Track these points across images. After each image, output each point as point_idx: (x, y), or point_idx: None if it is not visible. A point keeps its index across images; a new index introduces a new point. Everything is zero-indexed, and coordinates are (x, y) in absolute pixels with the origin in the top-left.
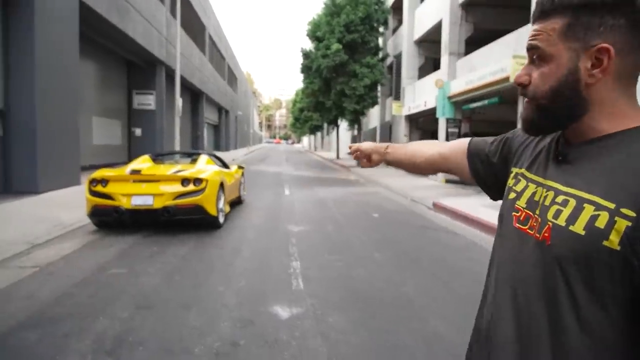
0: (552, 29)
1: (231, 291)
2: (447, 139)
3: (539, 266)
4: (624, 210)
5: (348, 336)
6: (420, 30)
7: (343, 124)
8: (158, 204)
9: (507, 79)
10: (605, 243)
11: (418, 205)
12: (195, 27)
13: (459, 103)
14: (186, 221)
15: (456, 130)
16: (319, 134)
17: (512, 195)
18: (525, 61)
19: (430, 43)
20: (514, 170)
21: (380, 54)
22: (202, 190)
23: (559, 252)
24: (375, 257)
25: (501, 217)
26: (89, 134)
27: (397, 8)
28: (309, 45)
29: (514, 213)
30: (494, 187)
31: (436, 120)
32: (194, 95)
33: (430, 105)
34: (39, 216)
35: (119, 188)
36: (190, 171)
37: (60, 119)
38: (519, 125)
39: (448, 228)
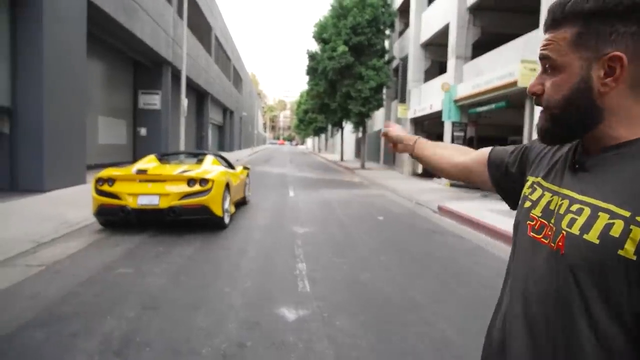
0: (562, 38)
1: (237, 292)
2: (452, 142)
3: (553, 275)
4: (639, 219)
5: (355, 339)
6: (427, 34)
7: (347, 126)
8: (164, 203)
9: (515, 83)
10: (620, 252)
11: (423, 208)
12: (202, 27)
13: (465, 107)
14: (192, 221)
15: (462, 133)
16: (323, 135)
17: (528, 204)
18: (536, 67)
19: (436, 46)
20: (530, 179)
21: (387, 57)
22: (208, 190)
23: (572, 261)
24: (381, 260)
25: (516, 226)
26: (94, 133)
27: (404, 11)
28: (314, 47)
29: (528, 222)
30: (514, 196)
31: (441, 123)
32: (199, 96)
33: (436, 109)
34: (45, 215)
35: (126, 187)
36: (196, 171)
37: (67, 118)
38: (525, 129)
39: (454, 232)
